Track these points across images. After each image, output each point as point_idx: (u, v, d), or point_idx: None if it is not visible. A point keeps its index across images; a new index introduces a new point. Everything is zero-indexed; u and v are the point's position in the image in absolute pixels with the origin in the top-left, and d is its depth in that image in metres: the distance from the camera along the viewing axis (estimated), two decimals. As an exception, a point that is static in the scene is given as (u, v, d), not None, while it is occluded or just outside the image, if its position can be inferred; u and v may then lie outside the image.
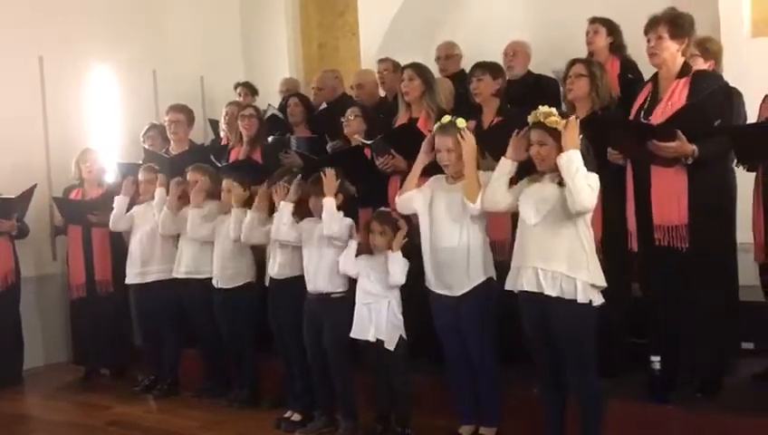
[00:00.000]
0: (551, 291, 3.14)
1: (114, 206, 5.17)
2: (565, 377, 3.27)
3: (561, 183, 3.15)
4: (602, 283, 3.18)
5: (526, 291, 3.22)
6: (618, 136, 3.67)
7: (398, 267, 3.74)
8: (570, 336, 3.16)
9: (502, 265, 3.56)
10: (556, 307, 3.15)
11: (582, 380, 3.21)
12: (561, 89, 4.16)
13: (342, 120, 4.83)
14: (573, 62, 4.03)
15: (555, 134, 3.17)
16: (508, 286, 3.33)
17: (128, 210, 5.22)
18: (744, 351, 3.98)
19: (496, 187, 3.41)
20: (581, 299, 3.12)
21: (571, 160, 3.08)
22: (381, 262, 3.82)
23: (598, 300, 3.18)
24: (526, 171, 3.38)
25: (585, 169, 3.09)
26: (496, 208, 3.47)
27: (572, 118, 3.21)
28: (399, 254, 3.76)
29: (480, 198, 3.47)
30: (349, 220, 4.01)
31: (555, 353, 3.24)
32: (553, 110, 3.22)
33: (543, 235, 3.17)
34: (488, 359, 3.63)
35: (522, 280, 3.24)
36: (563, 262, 3.14)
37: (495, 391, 3.70)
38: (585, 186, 3.06)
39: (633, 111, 3.69)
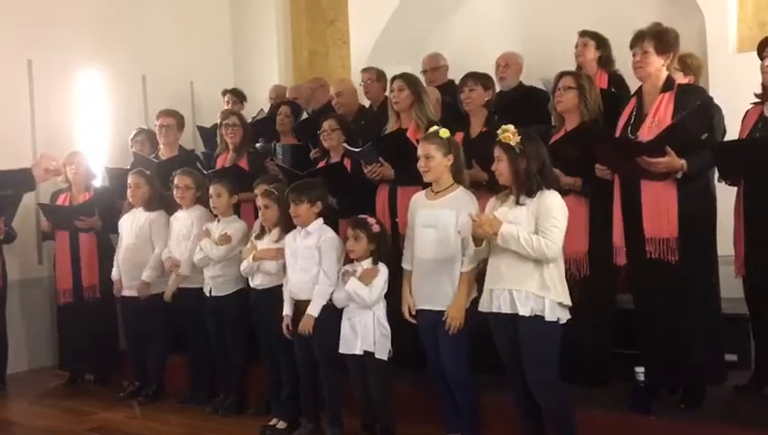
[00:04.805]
0: (525, 311, 3.21)
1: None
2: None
3: (521, 203, 3.26)
4: (568, 301, 3.27)
5: (501, 313, 3.28)
6: (605, 151, 3.70)
7: (361, 291, 3.75)
8: (535, 350, 3.23)
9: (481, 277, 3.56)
10: (525, 324, 3.22)
11: (543, 388, 3.27)
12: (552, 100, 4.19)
13: (319, 132, 4.85)
14: (562, 74, 4.06)
15: (509, 150, 3.26)
16: (482, 308, 3.38)
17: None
18: (727, 363, 4.01)
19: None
20: (549, 317, 3.21)
21: (506, 240, 3.19)
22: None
23: (564, 318, 3.27)
24: (496, 182, 3.43)
25: (523, 234, 3.17)
26: None
27: (476, 216, 3.27)
28: (353, 280, 3.77)
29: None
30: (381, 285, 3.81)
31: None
32: (510, 126, 3.30)
33: (513, 256, 3.23)
34: (462, 375, 3.65)
35: (497, 302, 3.29)
36: (534, 282, 3.21)
37: (472, 403, 3.73)
38: (532, 246, 3.16)
39: (619, 127, 3.73)
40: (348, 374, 3.94)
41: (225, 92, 6.51)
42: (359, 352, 3.81)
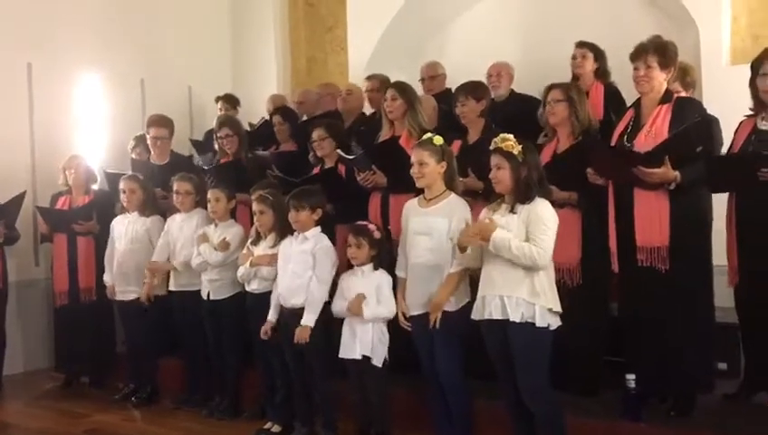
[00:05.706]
0: (516, 317, 3.24)
1: None
2: None
3: (514, 210, 3.29)
4: (558, 308, 3.31)
5: (492, 319, 3.30)
6: (600, 159, 3.75)
7: (382, 313, 3.82)
8: (526, 356, 3.26)
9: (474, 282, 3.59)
10: (516, 330, 3.25)
11: (534, 394, 3.30)
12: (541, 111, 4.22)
13: (310, 142, 4.88)
14: (551, 87, 4.09)
15: (511, 158, 3.28)
16: (475, 316, 3.40)
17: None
18: (717, 371, 4.05)
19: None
20: (540, 323, 3.24)
21: (498, 247, 3.23)
22: (361, 280, 3.88)
23: (555, 324, 3.30)
24: (491, 191, 3.47)
25: (515, 242, 3.20)
26: None
27: (469, 229, 3.34)
28: (370, 308, 3.81)
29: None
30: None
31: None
32: (511, 136, 3.33)
33: (505, 263, 3.27)
34: (456, 378, 3.68)
35: (489, 308, 3.32)
36: (524, 288, 3.25)
37: (465, 408, 3.76)
38: (524, 253, 3.19)
39: (615, 137, 3.77)
40: (346, 378, 3.97)
41: (218, 99, 6.54)
42: (357, 356, 3.84)
